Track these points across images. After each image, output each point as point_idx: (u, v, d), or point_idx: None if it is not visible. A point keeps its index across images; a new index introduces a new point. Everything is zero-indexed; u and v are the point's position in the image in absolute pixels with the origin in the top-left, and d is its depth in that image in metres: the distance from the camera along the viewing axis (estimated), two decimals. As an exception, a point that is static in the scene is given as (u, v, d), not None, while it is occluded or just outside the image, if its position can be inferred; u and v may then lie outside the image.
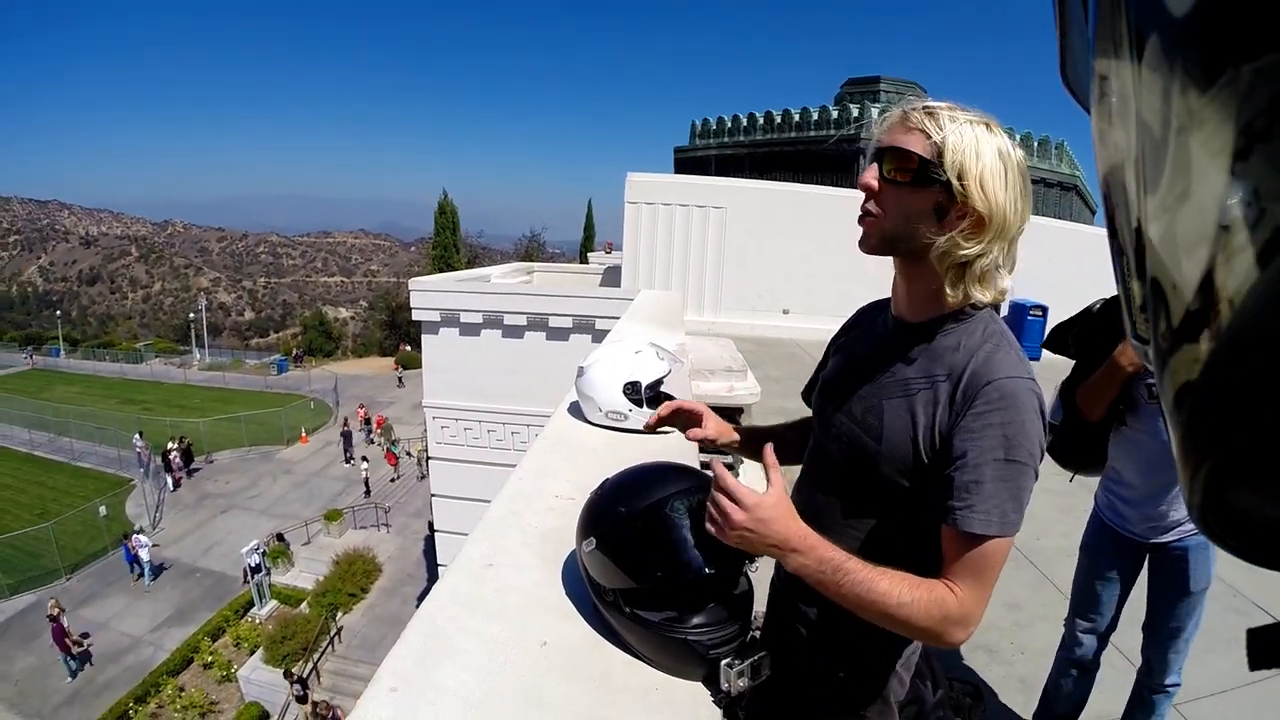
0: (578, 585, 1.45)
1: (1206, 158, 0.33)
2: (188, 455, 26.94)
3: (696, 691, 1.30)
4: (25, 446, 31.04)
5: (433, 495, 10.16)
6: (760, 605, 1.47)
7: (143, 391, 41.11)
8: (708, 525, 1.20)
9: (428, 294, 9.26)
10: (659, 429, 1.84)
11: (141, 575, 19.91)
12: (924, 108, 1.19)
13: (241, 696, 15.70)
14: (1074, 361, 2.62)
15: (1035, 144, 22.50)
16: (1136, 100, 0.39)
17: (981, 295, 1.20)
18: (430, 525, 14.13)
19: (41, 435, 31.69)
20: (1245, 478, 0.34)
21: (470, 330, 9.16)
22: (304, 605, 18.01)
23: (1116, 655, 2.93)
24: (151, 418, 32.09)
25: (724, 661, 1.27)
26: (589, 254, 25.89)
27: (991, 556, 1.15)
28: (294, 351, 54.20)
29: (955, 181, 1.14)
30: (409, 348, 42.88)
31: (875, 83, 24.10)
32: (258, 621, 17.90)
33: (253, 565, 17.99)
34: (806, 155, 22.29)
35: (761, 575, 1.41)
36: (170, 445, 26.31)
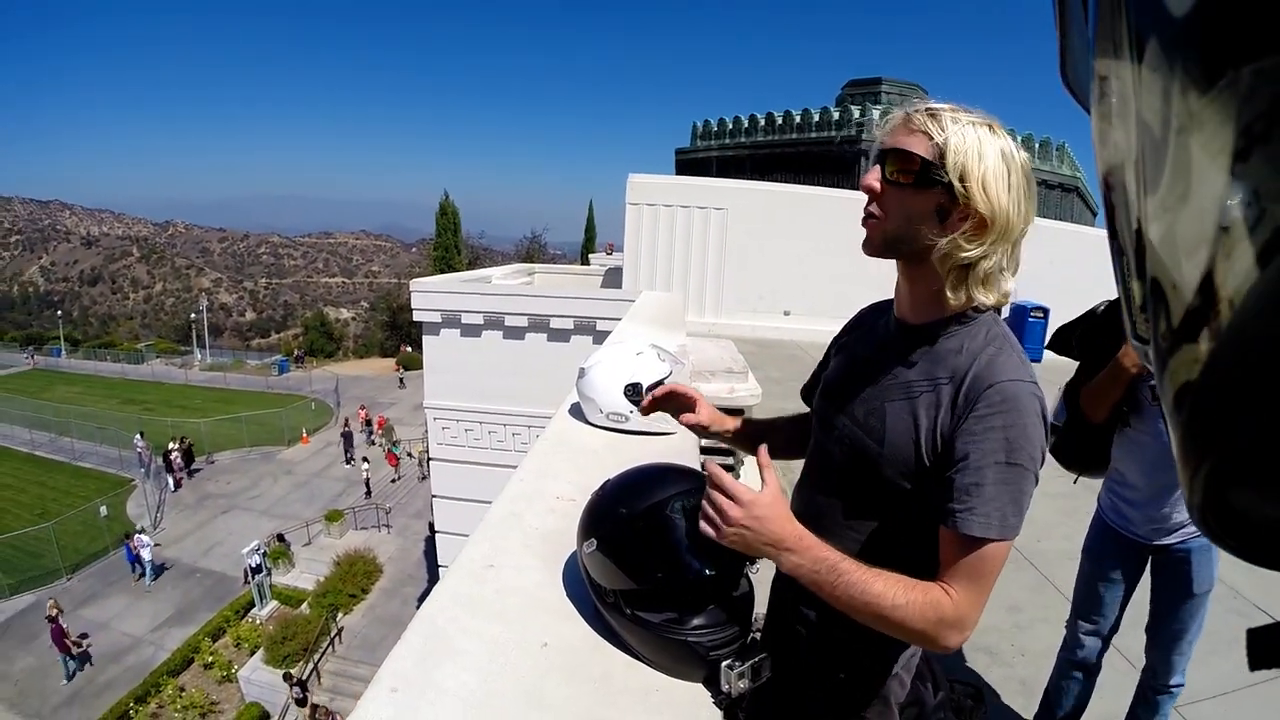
0: (578, 586, 1.45)
1: (1207, 158, 0.34)
2: (189, 455, 26.94)
3: (697, 693, 1.30)
4: (26, 446, 31.05)
5: (433, 496, 10.16)
6: (761, 607, 1.47)
7: (144, 392, 41.11)
8: (702, 526, 1.20)
9: (429, 295, 9.26)
10: (654, 412, 1.85)
11: (143, 575, 19.90)
12: (927, 109, 1.18)
13: (242, 697, 15.69)
14: (1077, 363, 2.62)
15: (1036, 145, 22.52)
16: (1136, 100, 0.40)
17: (984, 298, 1.20)
18: (431, 526, 14.14)
19: (42, 435, 31.70)
20: (1245, 478, 0.34)
21: (471, 331, 9.16)
22: (304, 606, 17.99)
23: (1117, 657, 2.92)
24: (152, 418, 32.08)
25: (724, 663, 1.27)
26: (590, 255, 25.89)
27: (989, 560, 1.14)
28: (295, 352, 54.25)
29: (957, 183, 1.13)
30: (410, 349, 42.89)
31: (876, 84, 24.13)
32: (258, 622, 17.89)
33: (253, 566, 17.99)
34: (808, 156, 22.32)
35: (762, 577, 1.41)
36: (171, 445, 26.30)
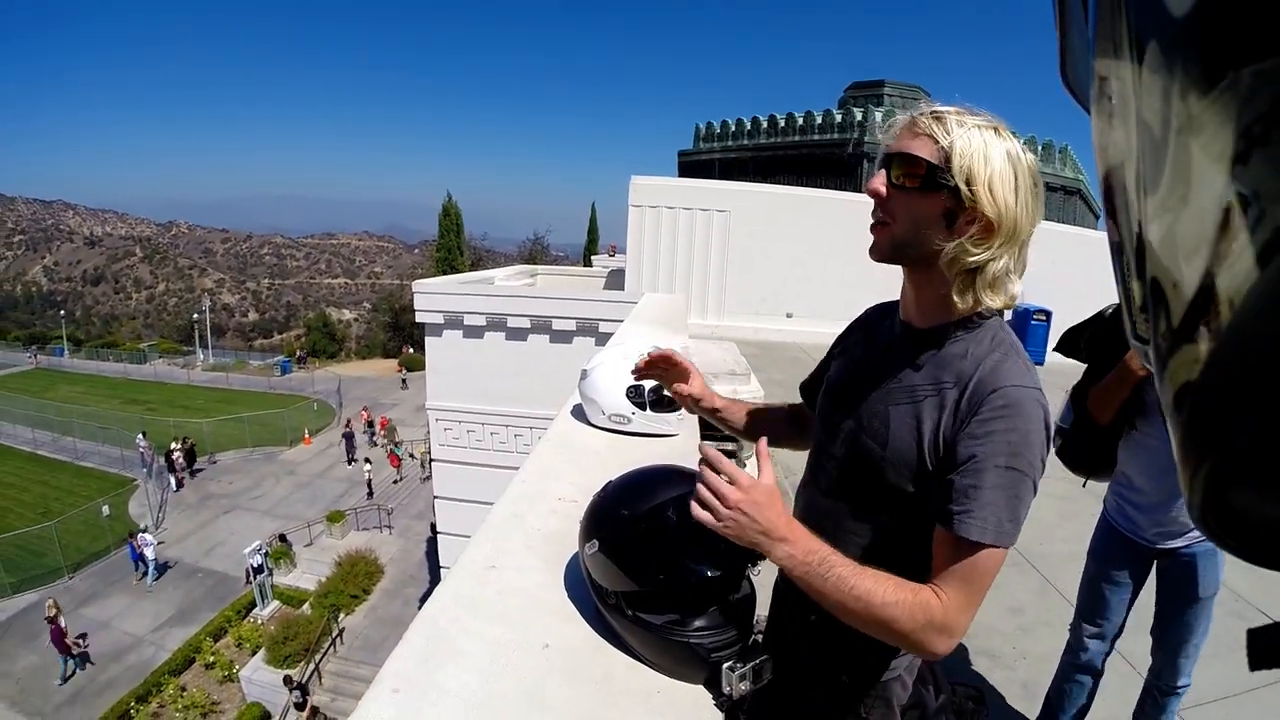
0: (580, 588, 1.45)
1: (1207, 160, 0.34)
2: (191, 455, 26.99)
3: (698, 695, 1.30)
4: (29, 446, 31.12)
5: (435, 497, 10.17)
6: (763, 609, 1.46)
7: (146, 392, 41.19)
8: (695, 510, 1.18)
9: (431, 296, 9.28)
10: (646, 376, 1.88)
11: (145, 574, 19.92)
12: (932, 112, 1.18)
13: (243, 697, 15.69)
14: (1084, 366, 2.62)
15: (1039, 148, 22.47)
16: (1136, 101, 0.40)
17: (992, 301, 1.19)
18: (433, 527, 14.15)
19: (45, 435, 31.76)
20: (1245, 478, 0.34)
21: (474, 332, 9.18)
22: (306, 606, 18.00)
23: (1119, 660, 2.92)
24: (155, 418, 32.14)
25: (726, 665, 1.27)
26: (592, 257, 25.90)
27: (983, 566, 1.13)
28: (297, 353, 54.35)
29: (964, 186, 1.13)
30: (412, 350, 42.97)
31: (879, 86, 24.10)
32: (260, 622, 17.90)
33: (255, 566, 18.00)
34: (810, 159, 22.30)
35: (764, 579, 1.41)
36: (173, 445, 26.34)
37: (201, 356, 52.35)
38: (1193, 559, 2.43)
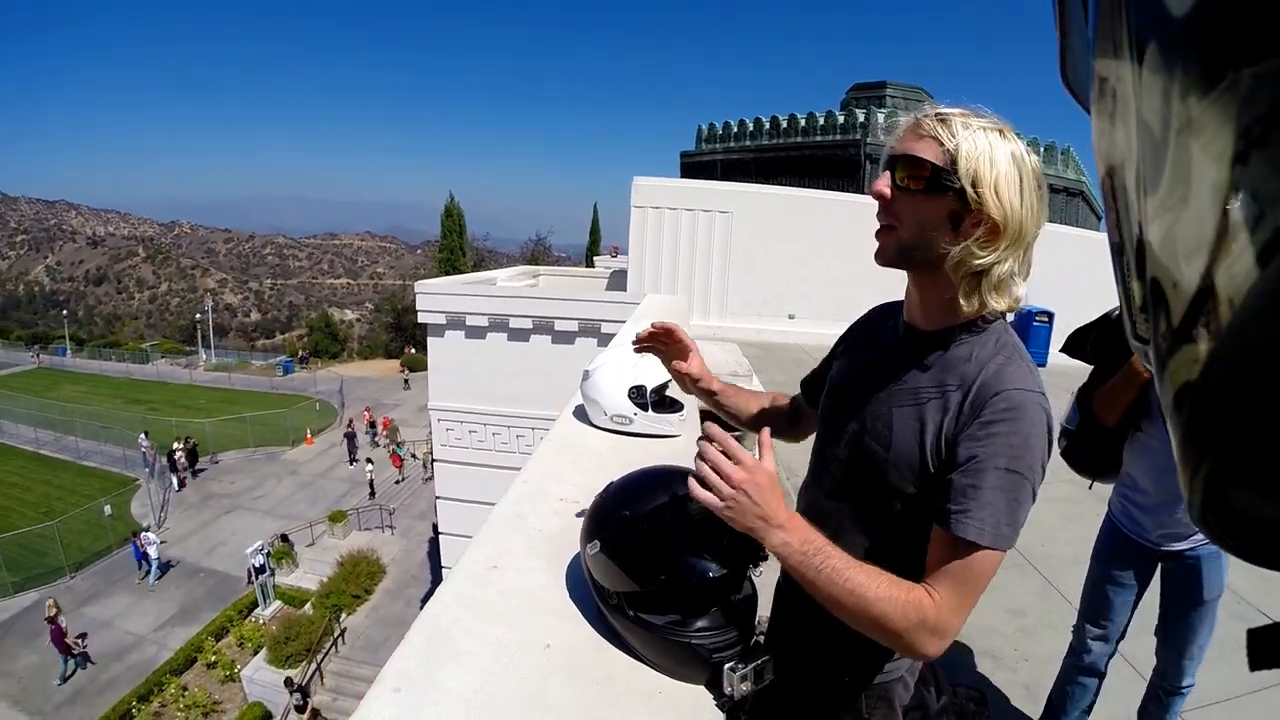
0: (582, 588, 1.45)
1: (1207, 160, 0.34)
2: (193, 455, 27.02)
3: (699, 695, 1.30)
4: (31, 445, 31.16)
5: (437, 497, 10.18)
6: (764, 610, 1.46)
7: (148, 391, 41.26)
8: (695, 489, 1.17)
9: (434, 297, 9.29)
10: (647, 347, 1.87)
11: (148, 573, 19.94)
12: (936, 114, 1.17)
13: (245, 697, 15.69)
14: (1089, 367, 2.61)
15: (1041, 149, 22.46)
16: (1137, 102, 0.40)
17: (997, 303, 1.18)
18: (434, 527, 14.15)
19: (47, 434, 31.81)
20: (1245, 478, 0.34)
21: (476, 333, 9.19)
22: (308, 606, 18.00)
23: (1121, 663, 2.91)
24: (157, 418, 32.18)
25: (727, 665, 1.27)
26: (595, 258, 25.89)
27: (978, 568, 1.12)
28: (300, 353, 54.48)
29: (970, 189, 1.12)
30: (414, 350, 42.99)
31: (881, 88, 24.12)
32: (261, 622, 17.89)
33: (257, 566, 17.99)
34: (812, 160, 22.30)
35: (765, 580, 1.41)
36: (175, 445, 26.38)
37: (204, 356, 52.44)
38: (1197, 561, 2.43)
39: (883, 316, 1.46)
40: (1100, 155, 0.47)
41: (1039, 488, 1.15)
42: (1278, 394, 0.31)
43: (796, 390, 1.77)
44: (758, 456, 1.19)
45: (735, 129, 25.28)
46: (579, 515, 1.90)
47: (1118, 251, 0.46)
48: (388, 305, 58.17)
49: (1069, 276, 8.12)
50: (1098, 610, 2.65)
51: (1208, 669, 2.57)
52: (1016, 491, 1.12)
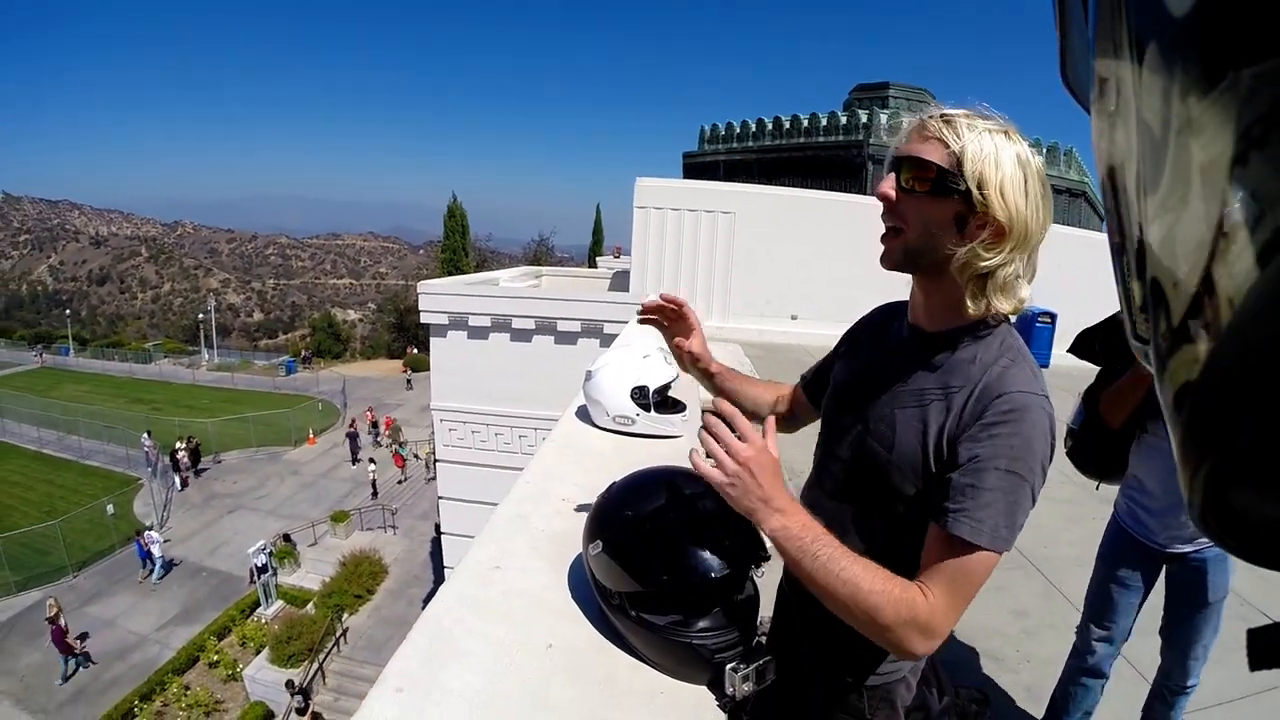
0: (584, 588, 1.46)
1: (1207, 160, 0.34)
2: (195, 455, 27.05)
3: (701, 695, 1.30)
4: (34, 444, 31.22)
5: (440, 498, 10.18)
6: (766, 610, 1.47)
7: (151, 391, 41.30)
8: (698, 462, 1.18)
9: (436, 297, 9.29)
10: (650, 319, 1.87)
11: (152, 571, 19.97)
12: (941, 116, 1.17)
13: (246, 696, 15.69)
14: (1096, 368, 2.61)
15: (1044, 150, 22.42)
16: (1136, 102, 0.40)
17: (1002, 305, 1.18)
18: (437, 527, 14.14)
19: (50, 433, 31.86)
20: (1245, 478, 0.34)
21: (478, 333, 9.19)
22: (310, 606, 18.01)
23: (1123, 664, 2.91)
24: (160, 417, 32.23)
25: (729, 666, 1.27)
26: (597, 258, 25.89)
27: (973, 569, 1.11)
28: (302, 353, 54.56)
29: (975, 191, 1.12)
30: (417, 350, 43.03)
31: (884, 88, 24.08)
32: (264, 621, 17.90)
33: (259, 565, 18.00)
34: (815, 161, 22.27)
35: (767, 581, 1.41)
36: (178, 445, 26.42)
37: (206, 356, 52.47)
38: (1203, 563, 2.43)
39: (886, 317, 1.46)
40: (1100, 155, 0.47)
41: (1039, 491, 1.15)
42: (1278, 394, 0.31)
43: None
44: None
45: (738, 130, 25.26)
46: (578, 510, 1.90)
47: (1118, 252, 0.46)
48: (390, 305, 58.25)
49: (1071, 277, 8.10)
50: (1102, 611, 2.65)
51: (1207, 671, 2.57)
52: (1016, 493, 1.11)
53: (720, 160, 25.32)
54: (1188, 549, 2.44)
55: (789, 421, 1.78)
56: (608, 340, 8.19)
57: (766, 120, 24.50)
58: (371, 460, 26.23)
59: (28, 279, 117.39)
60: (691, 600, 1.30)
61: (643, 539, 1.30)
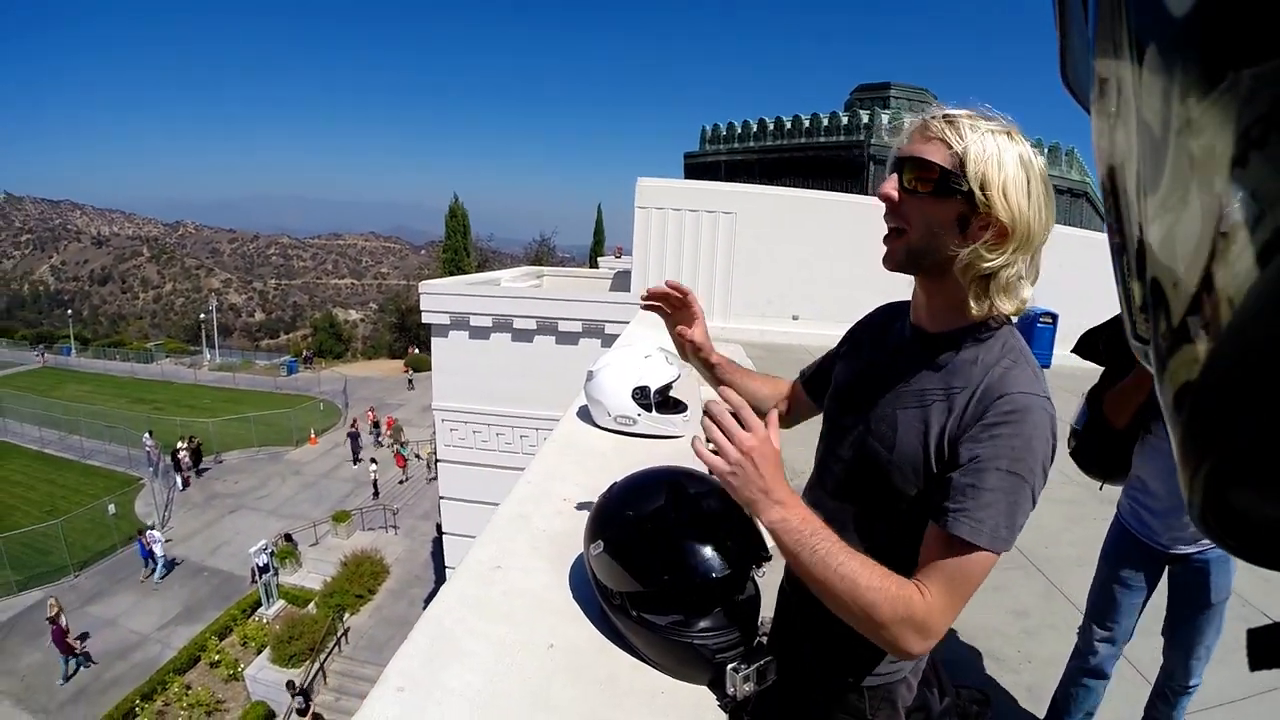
0: (585, 588, 1.46)
1: (1207, 160, 0.34)
2: (197, 455, 27.07)
3: (702, 695, 1.30)
4: (36, 444, 31.27)
5: (441, 498, 10.19)
6: (767, 611, 1.47)
7: (153, 391, 41.34)
8: (700, 450, 1.18)
9: (438, 297, 9.30)
10: (653, 306, 1.85)
11: (153, 570, 19.99)
12: (944, 116, 1.17)
13: (248, 695, 15.70)
14: (1101, 368, 2.61)
15: (1045, 150, 22.41)
16: (1136, 102, 0.40)
17: (1005, 306, 1.18)
18: (438, 527, 14.15)
19: (52, 433, 31.91)
20: (1245, 478, 0.34)
21: (480, 333, 9.20)
22: (311, 606, 18.01)
23: (1125, 665, 2.91)
24: (161, 417, 32.26)
25: (730, 666, 1.27)
26: (599, 258, 25.90)
27: (971, 569, 1.11)
28: (304, 353, 54.58)
29: (978, 192, 1.12)
30: (418, 350, 43.04)
31: (885, 89, 24.07)
32: (265, 621, 17.91)
33: (260, 565, 18.00)
34: (816, 161, 22.26)
35: (768, 581, 1.41)
36: (180, 445, 26.44)
37: (208, 356, 52.50)
38: (1205, 564, 2.43)
39: (888, 317, 1.46)
40: (1100, 156, 0.47)
41: (1040, 492, 1.14)
42: (1278, 394, 0.31)
43: None
44: None
45: (739, 130, 25.26)
46: (579, 508, 1.90)
47: (1118, 252, 0.46)
48: (392, 305, 58.26)
49: (1073, 278, 8.09)
50: (1105, 612, 2.65)
51: (1209, 671, 2.57)
52: (1016, 494, 1.11)
53: (721, 160, 25.32)
54: (1191, 550, 2.44)
55: (788, 416, 1.78)
56: (609, 340, 8.19)
57: (768, 120, 24.49)
58: (373, 460, 26.23)
59: (29, 279, 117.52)
60: (693, 600, 1.30)
61: (644, 539, 1.31)
